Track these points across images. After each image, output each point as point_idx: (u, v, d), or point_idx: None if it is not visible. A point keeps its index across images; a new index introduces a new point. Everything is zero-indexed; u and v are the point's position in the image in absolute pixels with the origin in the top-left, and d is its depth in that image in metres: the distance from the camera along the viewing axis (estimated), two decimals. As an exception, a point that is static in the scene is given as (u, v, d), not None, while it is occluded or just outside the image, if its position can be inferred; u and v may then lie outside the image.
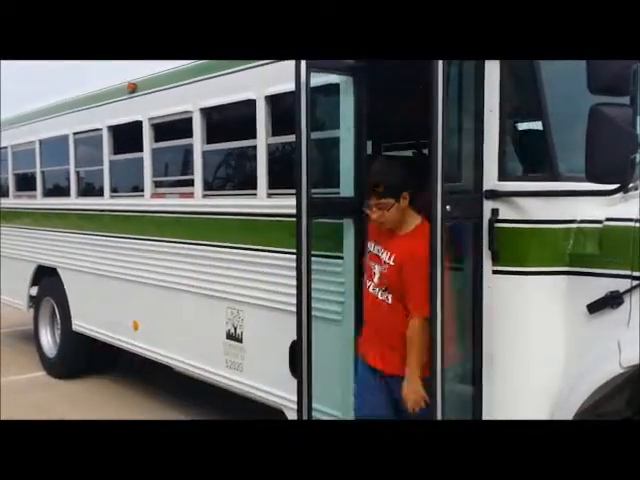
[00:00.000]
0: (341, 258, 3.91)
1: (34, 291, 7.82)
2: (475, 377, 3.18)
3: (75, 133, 6.86)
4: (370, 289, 3.41)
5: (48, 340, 7.74)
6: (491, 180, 3.08)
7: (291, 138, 3.68)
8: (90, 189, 6.93)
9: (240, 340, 4.73)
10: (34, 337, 7.92)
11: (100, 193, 6.47)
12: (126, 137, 6.10)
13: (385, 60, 3.33)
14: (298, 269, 3.56)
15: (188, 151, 5.21)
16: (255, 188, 4.53)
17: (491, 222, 3.07)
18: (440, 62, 2.81)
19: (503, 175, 3.07)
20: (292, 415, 4.04)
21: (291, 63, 3.53)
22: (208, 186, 5.11)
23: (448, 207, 2.92)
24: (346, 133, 3.82)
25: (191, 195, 5.16)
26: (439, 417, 2.89)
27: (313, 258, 3.58)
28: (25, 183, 8.20)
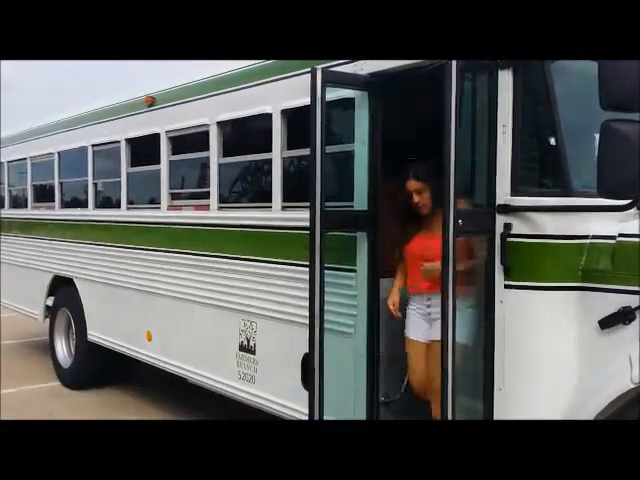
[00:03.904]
0: (354, 271, 3.93)
1: (50, 301, 7.88)
2: (486, 391, 3.18)
3: (93, 145, 6.95)
4: None
5: (63, 350, 7.78)
6: (504, 195, 3.10)
7: (306, 152, 3.72)
8: (107, 201, 7.00)
9: (253, 352, 4.75)
10: (49, 347, 7.97)
11: (117, 205, 6.55)
12: (143, 150, 6.18)
13: (400, 75, 3.39)
14: (311, 282, 3.58)
15: (204, 164, 5.26)
16: (270, 201, 4.57)
17: (503, 236, 3.09)
18: (453, 65, 2.82)
19: (516, 190, 3.09)
20: (303, 427, 4.04)
21: (307, 77, 3.58)
22: (223, 199, 5.15)
23: (460, 221, 2.95)
24: (360, 147, 3.85)
25: (207, 207, 5.21)
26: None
27: (326, 271, 3.60)
28: (43, 194, 8.30)
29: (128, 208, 6.40)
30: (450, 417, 2.94)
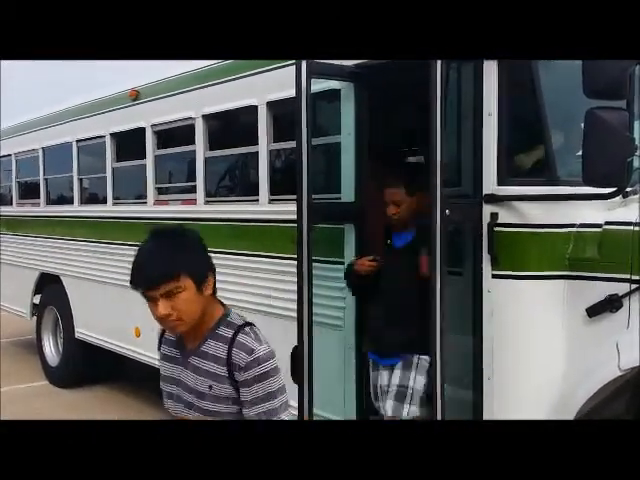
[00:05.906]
0: (342, 263, 3.92)
1: (37, 299, 7.83)
2: (475, 381, 3.18)
3: (78, 140, 6.90)
4: None
5: (51, 349, 7.74)
6: (490, 184, 3.09)
7: (293, 144, 3.70)
8: (93, 196, 6.96)
9: (241, 346, 4.72)
10: (37, 346, 7.92)
11: (103, 200, 6.50)
12: (129, 144, 6.14)
13: (386, 65, 3.37)
14: (299, 275, 3.57)
15: (190, 158, 5.23)
16: (257, 194, 4.55)
17: (490, 226, 3.08)
18: (438, 64, 2.83)
19: (502, 179, 3.08)
20: (293, 421, 4.03)
21: (293, 69, 3.56)
22: (210, 192, 5.13)
23: (447, 211, 2.94)
24: (347, 139, 3.84)
25: (193, 201, 5.19)
26: (439, 418, 2.90)
27: (314, 263, 3.59)
28: (28, 191, 8.24)
29: (114, 204, 6.36)
30: (440, 408, 2.94)
